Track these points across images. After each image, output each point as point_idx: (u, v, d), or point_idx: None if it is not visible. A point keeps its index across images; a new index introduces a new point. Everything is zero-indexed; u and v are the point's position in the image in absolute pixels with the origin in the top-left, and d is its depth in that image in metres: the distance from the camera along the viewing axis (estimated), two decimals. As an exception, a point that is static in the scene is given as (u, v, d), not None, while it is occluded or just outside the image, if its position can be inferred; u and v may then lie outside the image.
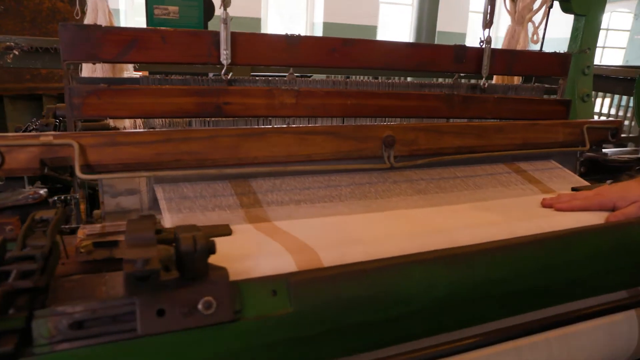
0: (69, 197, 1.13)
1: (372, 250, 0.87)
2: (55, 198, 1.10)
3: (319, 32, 12.55)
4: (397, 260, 0.79)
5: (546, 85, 1.73)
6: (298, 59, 1.27)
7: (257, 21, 11.83)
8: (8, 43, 1.25)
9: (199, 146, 1.11)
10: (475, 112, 1.52)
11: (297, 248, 0.87)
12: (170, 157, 1.09)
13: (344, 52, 1.31)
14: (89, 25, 1.10)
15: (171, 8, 4.74)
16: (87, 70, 1.22)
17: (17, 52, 1.24)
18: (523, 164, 1.55)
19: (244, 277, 0.74)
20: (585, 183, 1.53)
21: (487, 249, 0.84)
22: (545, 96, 1.80)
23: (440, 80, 1.50)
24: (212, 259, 0.74)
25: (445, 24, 8.16)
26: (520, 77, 1.79)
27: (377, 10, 12.94)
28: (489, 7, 1.48)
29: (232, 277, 0.73)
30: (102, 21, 1.18)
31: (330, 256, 0.83)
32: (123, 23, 10.58)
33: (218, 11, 4.68)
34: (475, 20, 11.46)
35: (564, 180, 1.53)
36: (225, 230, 0.98)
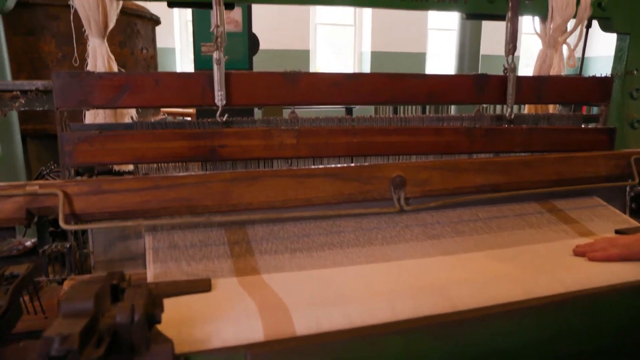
0: (60, 246, 1.11)
1: (355, 313, 0.78)
2: (46, 247, 1.09)
3: (367, 62, 12.60)
4: (374, 330, 0.69)
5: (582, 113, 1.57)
6: (298, 96, 1.21)
7: (306, 53, 12.04)
8: (14, 92, 1.27)
9: (189, 192, 1.07)
10: (501, 146, 1.40)
11: (272, 309, 0.79)
12: (159, 204, 1.05)
13: (347, 86, 1.25)
14: (80, 72, 1.10)
15: (216, 45, 4.88)
16: (90, 115, 1.22)
17: (23, 101, 1.26)
18: (560, 201, 1.40)
19: (198, 348, 0.67)
20: (635, 223, 1.35)
21: (486, 316, 0.72)
22: (591, 124, 1.64)
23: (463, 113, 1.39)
24: (171, 322, 0.68)
25: (489, 48, 7.96)
26: (556, 106, 1.64)
27: (426, 37, 12.85)
28: (512, 31, 1.37)
29: (183, 347, 0.66)
30: (100, 67, 1.17)
31: (305, 321, 0.75)
32: (178, 62, 11.12)
33: (263, 45, 4.74)
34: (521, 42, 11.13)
35: (607, 219, 1.37)
36: (204, 286, 0.92)
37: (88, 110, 1.21)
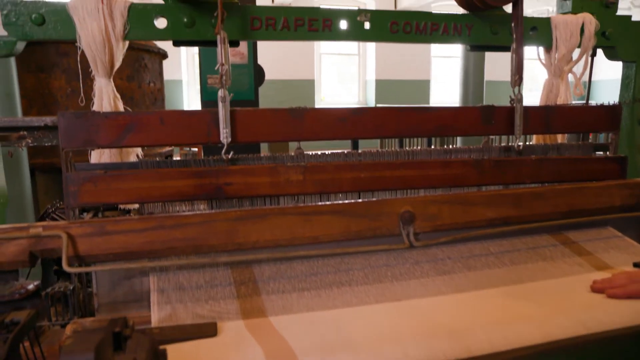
0: (64, 288, 1.09)
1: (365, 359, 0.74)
2: (49, 290, 1.06)
3: (371, 90, 12.72)
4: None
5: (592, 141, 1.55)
6: (304, 132, 1.20)
7: (312, 83, 12.18)
8: (21, 132, 1.27)
9: (194, 232, 1.05)
10: (511, 178, 1.38)
11: (280, 357, 0.75)
12: (164, 245, 1.03)
13: (354, 121, 1.24)
14: (86, 113, 1.10)
15: (222, 76, 4.95)
16: (95, 154, 1.21)
17: (29, 140, 1.26)
18: (573, 233, 1.37)
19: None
20: (652, 254, 1.31)
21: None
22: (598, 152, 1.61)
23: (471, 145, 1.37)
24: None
25: (493, 74, 8.01)
26: (565, 135, 1.62)
27: (430, 64, 12.99)
28: (517, 62, 1.36)
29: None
30: (106, 106, 1.17)
31: (313, 369, 0.71)
32: (185, 93, 11.27)
33: (269, 75, 4.78)
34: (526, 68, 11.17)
35: (623, 251, 1.33)
36: (210, 331, 0.89)
37: (93, 150, 1.20)
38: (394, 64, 12.29)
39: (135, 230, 1.03)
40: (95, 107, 1.24)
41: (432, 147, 5.80)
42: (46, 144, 2.17)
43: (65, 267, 0.96)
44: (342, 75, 13.02)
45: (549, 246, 1.30)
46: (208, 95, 5.36)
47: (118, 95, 1.24)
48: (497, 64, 6.44)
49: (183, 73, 11.29)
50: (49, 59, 4.14)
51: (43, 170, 4.26)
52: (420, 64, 12.64)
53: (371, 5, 12.47)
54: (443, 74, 13.20)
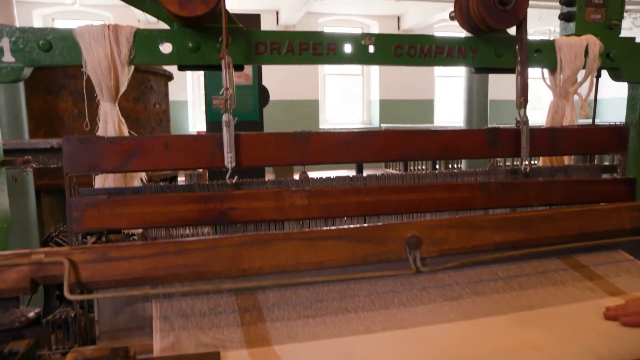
0: (65, 315, 1.07)
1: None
2: (49, 317, 1.05)
3: (375, 109, 12.78)
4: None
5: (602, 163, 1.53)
6: (309, 156, 1.19)
7: (316, 103, 12.26)
8: (26, 157, 1.27)
9: (198, 258, 1.03)
10: (518, 201, 1.36)
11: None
12: (166, 271, 1.02)
13: (359, 144, 1.23)
14: (90, 138, 1.09)
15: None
16: (99, 179, 1.21)
17: (34, 165, 1.26)
18: (583, 256, 1.34)
19: None
20: (665, 279, 1.28)
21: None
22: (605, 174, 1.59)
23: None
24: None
25: (497, 93, 8.06)
26: (572, 157, 1.60)
27: (433, 84, 13.06)
28: (522, 84, 1.35)
29: None
30: (111, 130, 1.17)
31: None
32: (190, 114, 11.35)
33: (273, 96, 4.82)
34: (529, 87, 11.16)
35: (635, 275, 1.30)
36: (212, 361, 0.86)
37: (97, 174, 1.20)
38: (398, 84, 12.37)
39: (138, 256, 1.01)
40: (100, 132, 1.24)
41: (437, 168, 5.80)
42: (52, 166, 2.18)
43: (67, 294, 0.94)
44: (346, 95, 13.11)
45: (558, 270, 1.27)
46: (213, 116, 5.40)
47: (123, 120, 1.24)
48: (500, 84, 6.48)
49: (188, 94, 11.40)
50: (57, 81, 4.19)
51: (49, 192, 4.27)
52: (424, 84, 12.72)
53: (374, 27, 12.61)
54: (447, 94, 13.26)
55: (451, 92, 13.08)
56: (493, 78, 6.29)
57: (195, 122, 11.48)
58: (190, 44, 1.23)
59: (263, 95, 6.57)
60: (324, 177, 1.24)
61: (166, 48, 1.23)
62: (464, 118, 4.75)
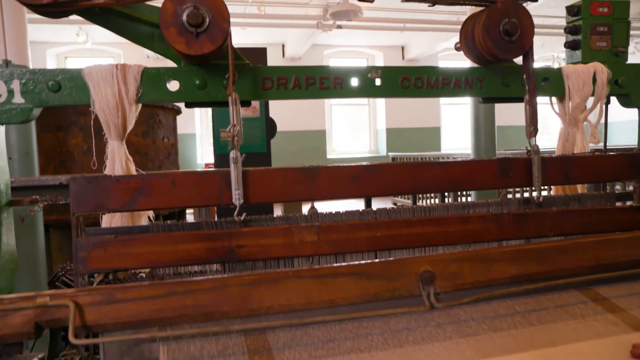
0: (71, 358, 1.04)
1: None
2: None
3: (382, 138, 12.84)
4: None
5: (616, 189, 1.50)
6: (317, 191, 1.18)
7: (323, 133, 12.35)
8: (34, 196, 1.27)
9: (206, 298, 1.01)
10: (532, 232, 1.33)
11: None
12: (174, 312, 0.99)
13: (367, 178, 1.21)
14: (97, 177, 1.09)
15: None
16: (106, 218, 1.19)
17: (41, 205, 1.25)
18: (603, 288, 1.29)
19: None
20: (690, 311, 1.23)
21: None
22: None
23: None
24: None
25: (504, 119, 8.07)
26: (585, 185, 1.57)
27: (439, 112, 13.14)
28: (531, 113, 1.34)
29: None
30: (118, 169, 1.16)
31: None
32: (198, 146, 11.45)
33: (281, 127, 4.86)
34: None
35: (659, 307, 1.25)
36: (221, 408, 0.83)
37: (104, 214, 1.19)
38: (405, 113, 12.45)
39: (144, 297, 0.99)
40: (107, 170, 1.23)
41: (446, 199, 5.74)
42: (61, 202, 2.18)
43: (71, 339, 0.92)
44: (353, 125, 13.19)
45: (578, 303, 1.23)
46: (221, 149, 5.44)
47: (130, 158, 1.24)
48: (507, 109, 6.50)
49: (197, 126, 11.53)
50: (67, 117, 4.25)
51: (58, 227, 4.28)
52: (431, 112, 12.80)
53: (379, 57, 12.78)
54: (453, 121, 13.32)
55: (458, 119, 13.14)
56: (500, 104, 6.30)
57: (203, 154, 11.57)
58: (197, 81, 1.23)
59: (270, 127, 6.61)
60: (333, 212, 1.22)
61: (173, 86, 1.24)
62: (471, 145, 4.73)
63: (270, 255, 1.14)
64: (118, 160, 1.21)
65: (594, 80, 1.52)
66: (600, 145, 1.65)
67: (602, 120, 1.64)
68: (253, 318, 1.03)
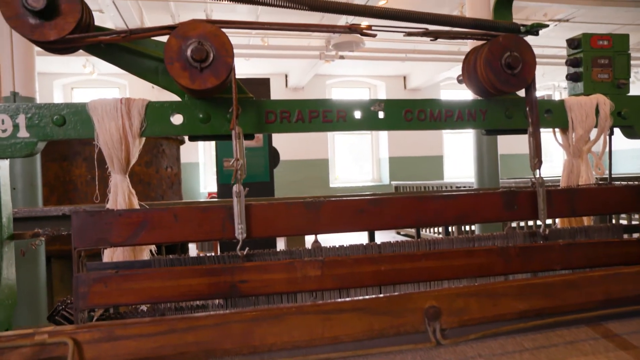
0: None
1: None
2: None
3: (385, 167, 12.87)
4: None
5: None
6: (321, 224, 1.17)
7: (326, 162, 12.39)
8: (36, 230, 1.26)
9: (207, 335, 0.99)
10: (539, 265, 1.31)
11: None
12: (174, 349, 0.97)
13: (372, 212, 1.20)
14: (99, 211, 1.08)
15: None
16: (108, 252, 1.18)
17: (43, 239, 1.25)
18: (614, 324, 1.27)
19: None
20: None
21: None
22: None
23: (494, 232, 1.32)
24: None
25: (506, 147, 8.10)
26: (591, 218, 1.56)
27: (442, 141, 13.19)
28: (535, 146, 1.34)
29: None
30: (121, 202, 1.16)
31: None
32: (202, 175, 11.48)
33: (284, 156, 4.88)
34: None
35: (672, 344, 1.22)
36: None
37: (106, 248, 1.18)
38: (407, 142, 12.51)
39: (145, 335, 0.97)
40: (110, 204, 1.23)
41: (451, 230, 5.67)
42: (63, 233, 2.17)
43: (69, 379, 0.90)
44: (355, 153, 13.25)
45: (589, 340, 1.20)
46: (224, 178, 5.45)
47: (133, 191, 1.24)
48: (509, 138, 6.52)
49: (200, 155, 11.59)
50: (72, 147, 4.28)
51: (60, 257, 4.25)
52: (433, 141, 12.85)
53: (381, 87, 12.92)
54: (456, 149, 13.36)
55: (460, 148, 13.18)
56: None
57: (206, 183, 11.59)
58: (201, 115, 1.24)
59: (273, 156, 6.65)
60: (337, 246, 1.21)
61: (177, 119, 1.24)
62: (474, 175, 4.73)
63: (274, 290, 1.13)
64: (121, 193, 1.21)
65: (597, 111, 1.53)
66: (606, 174, 1.64)
67: (607, 150, 1.64)
68: (255, 355, 1.01)
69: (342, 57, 9.34)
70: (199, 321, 1.00)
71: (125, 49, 1.23)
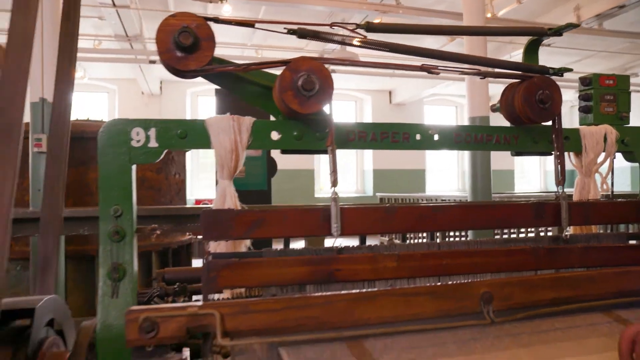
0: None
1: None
2: None
3: (369, 178, 13.24)
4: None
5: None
6: (394, 226, 1.45)
7: (311, 172, 12.71)
8: (153, 225, 1.50)
9: (318, 311, 1.25)
10: (562, 263, 1.62)
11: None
12: (294, 322, 1.23)
13: (432, 217, 1.50)
14: (223, 210, 1.34)
15: (239, 168, 5.37)
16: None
17: (159, 232, 1.49)
18: (623, 312, 1.58)
19: None
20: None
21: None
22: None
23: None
24: None
25: (498, 163, 8.59)
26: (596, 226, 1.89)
27: (424, 155, 13.66)
28: (560, 166, 1.66)
29: None
30: (229, 204, 1.42)
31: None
32: (189, 180, 11.60)
33: (281, 165, 5.14)
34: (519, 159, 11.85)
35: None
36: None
37: (227, 241, 1.43)
38: (391, 155, 12.94)
39: (271, 310, 1.23)
40: (216, 205, 1.48)
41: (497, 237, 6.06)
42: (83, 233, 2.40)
43: (221, 341, 1.15)
44: (339, 165, 13.60)
45: (604, 323, 1.51)
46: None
47: (237, 195, 1.50)
48: (501, 155, 6.95)
49: (187, 163, 11.74)
50: (88, 152, 4.44)
51: (73, 258, 4.39)
52: (416, 155, 13.34)
53: (367, 100, 13.35)
54: (438, 164, 13.87)
55: (442, 163, 13.69)
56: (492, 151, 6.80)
57: (193, 189, 11.73)
58: (295, 133, 1.51)
59: (271, 166, 6.89)
60: (407, 243, 1.49)
61: (275, 135, 1.51)
62: (468, 188, 5.11)
63: (361, 277, 1.40)
64: (229, 196, 1.46)
65: (605, 139, 1.86)
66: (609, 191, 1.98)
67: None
68: (356, 329, 1.28)
69: (333, 72, 9.68)
70: (311, 300, 1.26)
71: (235, 76, 1.49)
